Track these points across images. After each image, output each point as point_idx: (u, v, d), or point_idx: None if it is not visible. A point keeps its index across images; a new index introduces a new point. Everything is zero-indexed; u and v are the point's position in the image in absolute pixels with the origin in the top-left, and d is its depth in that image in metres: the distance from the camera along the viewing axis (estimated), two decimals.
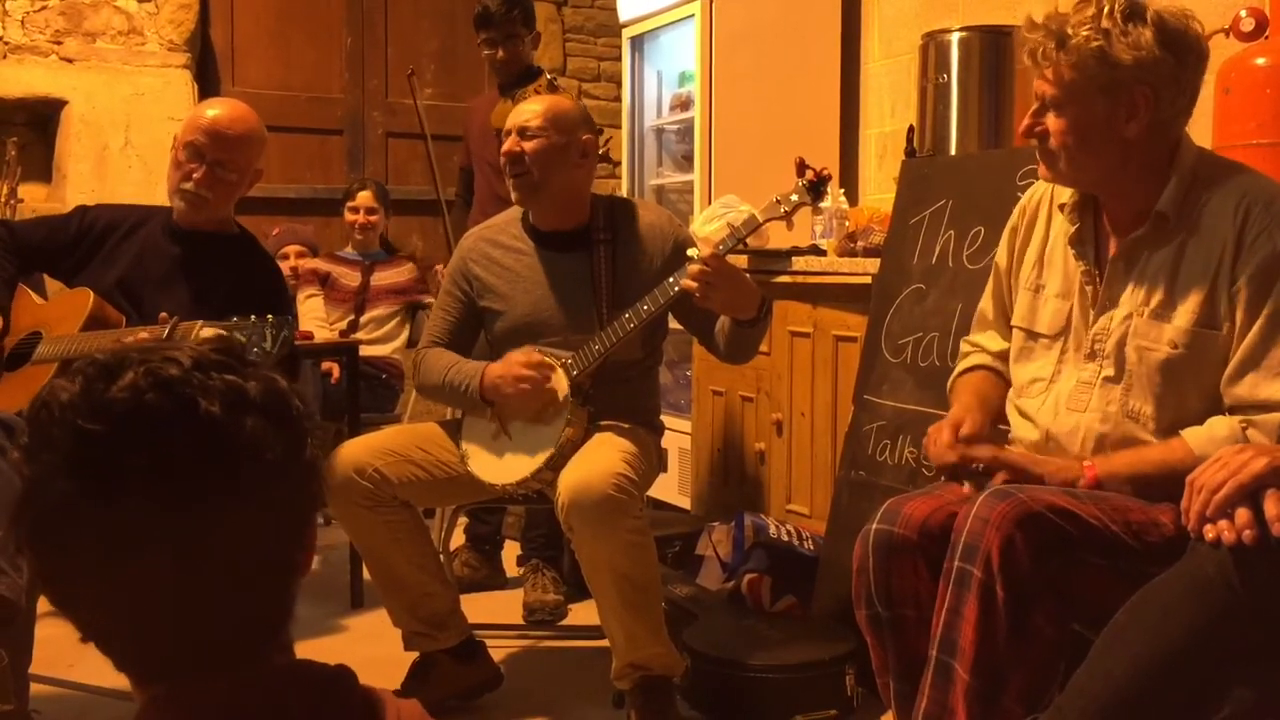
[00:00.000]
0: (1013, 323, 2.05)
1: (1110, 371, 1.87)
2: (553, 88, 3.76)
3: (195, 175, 2.57)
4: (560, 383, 2.54)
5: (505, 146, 2.65)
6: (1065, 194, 1.97)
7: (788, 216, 2.53)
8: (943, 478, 1.95)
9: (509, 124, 2.67)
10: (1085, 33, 1.77)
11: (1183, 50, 1.80)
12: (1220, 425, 1.76)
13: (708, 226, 3.46)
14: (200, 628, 0.87)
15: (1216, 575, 1.52)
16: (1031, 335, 2.01)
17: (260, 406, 0.88)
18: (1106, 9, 1.78)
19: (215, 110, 2.62)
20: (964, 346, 2.21)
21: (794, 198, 2.52)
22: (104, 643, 0.88)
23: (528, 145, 2.61)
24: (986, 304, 2.15)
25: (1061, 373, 1.95)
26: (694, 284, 2.37)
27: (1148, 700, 1.54)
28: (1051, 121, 1.85)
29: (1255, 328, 1.75)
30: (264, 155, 2.68)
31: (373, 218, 4.54)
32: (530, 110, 2.66)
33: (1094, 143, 1.83)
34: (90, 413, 0.84)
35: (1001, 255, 2.11)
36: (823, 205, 3.03)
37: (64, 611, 0.88)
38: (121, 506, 0.83)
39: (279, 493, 0.89)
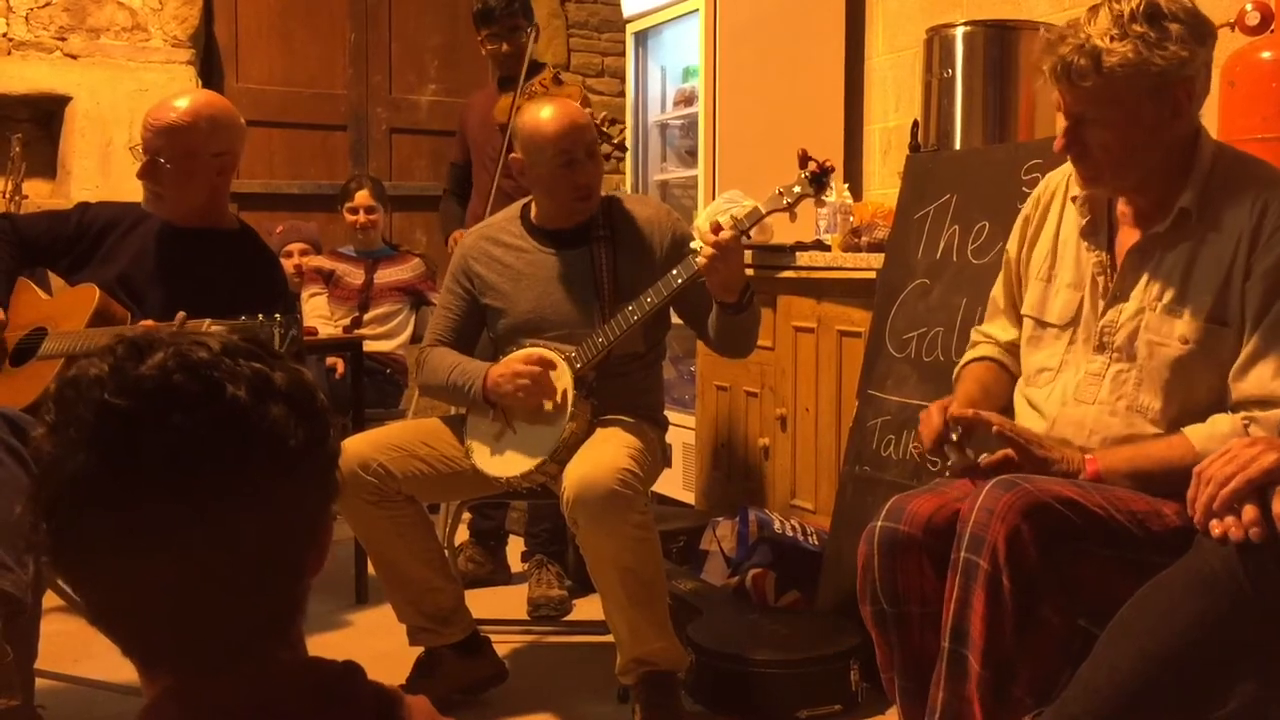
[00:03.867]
0: (1023, 312, 2.05)
1: (1120, 365, 1.87)
2: (558, 81, 3.75)
3: (138, 170, 2.58)
4: (564, 376, 2.54)
5: (584, 179, 2.61)
6: (1078, 186, 1.95)
7: (790, 208, 2.53)
8: (936, 463, 1.94)
9: (576, 142, 2.59)
10: (1121, 45, 1.73)
11: (1205, 35, 1.79)
12: (1223, 422, 1.76)
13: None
14: (208, 619, 0.86)
15: (1222, 570, 1.52)
16: (1041, 324, 2.00)
17: (286, 396, 0.88)
18: (1128, 13, 1.74)
19: (160, 103, 2.62)
20: (974, 335, 2.21)
21: (797, 189, 2.52)
22: (110, 626, 0.88)
23: (596, 170, 2.65)
24: (998, 292, 2.15)
25: (1068, 363, 1.94)
26: (711, 251, 2.40)
27: (1152, 694, 1.54)
28: (1094, 135, 1.80)
29: (1265, 323, 1.75)
30: (223, 141, 2.60)
31: (373, 216, 4.53)
32: (582, 124, 2.62)
33: (1142, 147, 1.80)
34: (117, 388, 0.84)
35: (1013, 244, 2.10)
36: (825, 198, 3.02)
37: (74, 591, 0.88)
38: (139, 486, 0.83)
39: (297, 484, 0.88)
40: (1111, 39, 1.74)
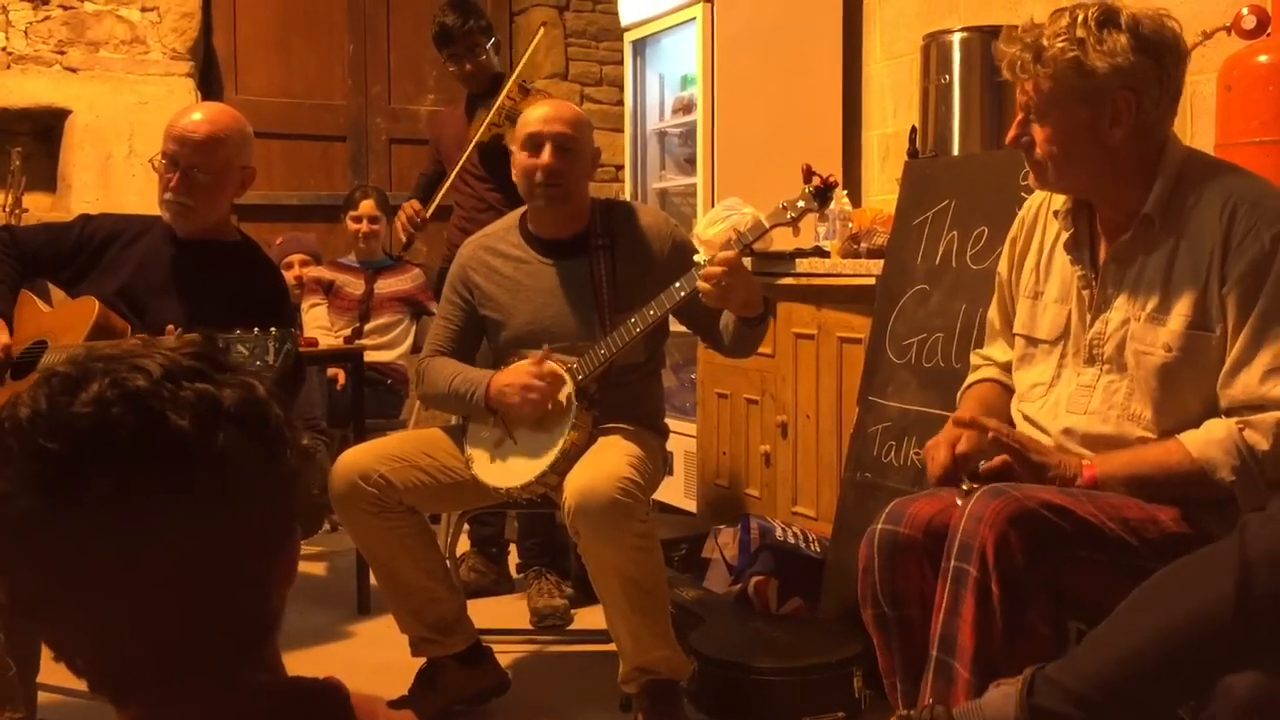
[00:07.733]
0: (1014, 330, 2.07)
1: (1111, 375, 1.88)
2: (524, 90, 3.76)
3: (172, 184, 2.56)
4: (565, 388, 2.54)
5: (546, 160, 2.59)
6: (1060, 201, 1.98)
7: (794, 223, 2.53)
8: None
9: (542, 130, 2.61)
10: (1060, 44, 1.79)
11: (1160, 51, 1.80)
12: (1217, 427, 1.76)
13: (711, 229, 3.46)
14: (171, 647, 0.83)
15: (1263, 560, 1.50)
16: (1032, 341, 2.02)
17: (235, 417, 0.83)
18: (1080, 18, 1.79)
19: (185, 116, 2.60)
20: (974, 359, 2.22)
21: (800, 204, 2.52)
22: (73, 662, 0.85)
23: (566, 162, 2.60)
24: (993, 313, 2.16)
25: (1061, 377, 1.95)
26: (709, 285, 2.37)
27: (1166, 662, 1.52)
28: (1036, 131, 1.87)
29: (1247, 327, 1.75)
30: (248, 154, 2.62)
31: (375, 226, 4.56)
32: (564, 119, 2.63)
33: (1079, 150, 1.84)
34: (51, 430, 0.79)
35: (1003, 265, 2.12)
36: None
37: (34, 628, 0.85)
38: (84, 526, 0.79)
39: (253, 507, 0.84)
40: (1057, 38, 1.80)
